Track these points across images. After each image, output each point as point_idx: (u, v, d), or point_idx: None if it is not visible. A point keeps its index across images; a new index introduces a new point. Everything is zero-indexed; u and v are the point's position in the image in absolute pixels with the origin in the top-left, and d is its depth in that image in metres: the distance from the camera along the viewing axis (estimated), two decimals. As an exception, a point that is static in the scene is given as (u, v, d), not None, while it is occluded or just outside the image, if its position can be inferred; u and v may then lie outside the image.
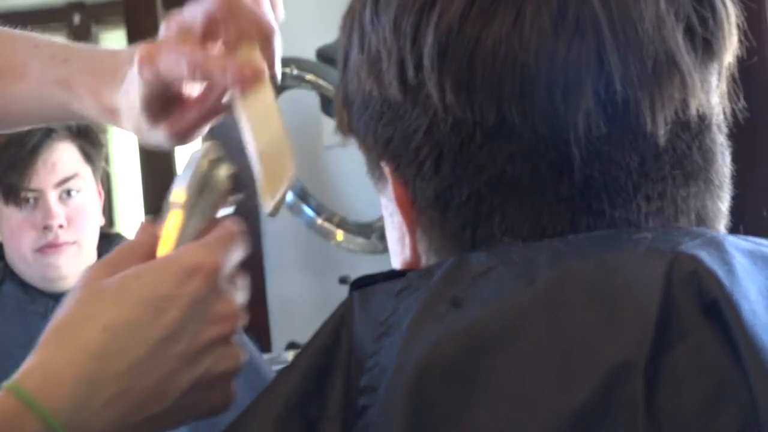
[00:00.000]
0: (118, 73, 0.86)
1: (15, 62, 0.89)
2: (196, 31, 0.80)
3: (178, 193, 0.75)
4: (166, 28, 0.82)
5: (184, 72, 0.79)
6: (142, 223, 0.75)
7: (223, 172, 0.76)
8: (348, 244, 2.84)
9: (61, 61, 0.88)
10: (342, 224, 2.86)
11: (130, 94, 0.83)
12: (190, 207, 0.74)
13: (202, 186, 0.75)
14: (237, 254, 0.73)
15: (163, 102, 0.83)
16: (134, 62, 0.81)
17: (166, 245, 0.73)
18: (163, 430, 0.69)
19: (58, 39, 0.92)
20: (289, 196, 2.95)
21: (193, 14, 0.81)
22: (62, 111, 0.89)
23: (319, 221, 2.90)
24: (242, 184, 0.77)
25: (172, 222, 0.74)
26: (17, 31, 0.93)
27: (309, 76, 2.75)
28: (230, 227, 0.73)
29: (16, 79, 0.89)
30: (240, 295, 0.73)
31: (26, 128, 0.98)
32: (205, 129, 0.86)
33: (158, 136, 0.85)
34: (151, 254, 0.72)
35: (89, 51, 0.90)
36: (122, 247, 0.74)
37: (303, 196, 2.94)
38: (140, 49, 0.80)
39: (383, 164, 0.73)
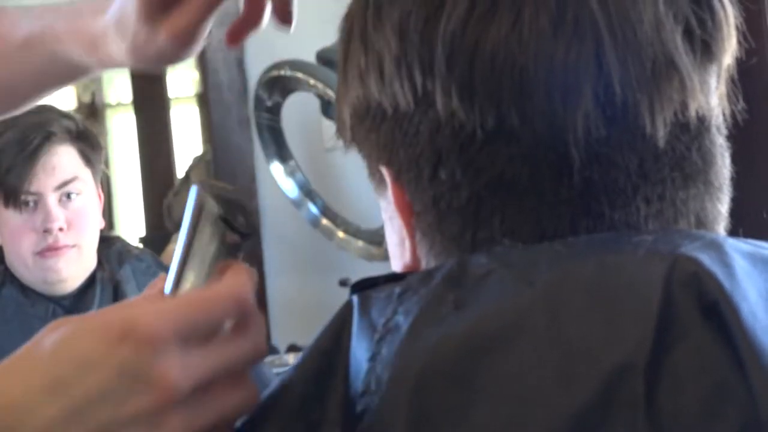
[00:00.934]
0: (101, 6, 0.84)
1: (4, 22, 0.88)
2: None
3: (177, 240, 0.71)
4: None
5: None
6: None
7: (212, 211, 0.71)
8: (348, 247, 2.84)
9: (50, 11, 0.87)
10: (347, 229, 2.86)
11: (127, 3, 0.81)
12: (185, 251, 0.70)
13: (193, 229, 0.70)
14: (210, 317, 0.64)
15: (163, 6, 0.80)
16: None
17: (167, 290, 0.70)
18: None
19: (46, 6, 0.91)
20: (295, 193, 2.96)
21: None
22: (48, 60, 0.88)
23: (324, 221, 2.91)
24: (235, 212, 0.71)
25: (171, 269, 0.70)
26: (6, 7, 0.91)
27: (311, 81, 2.75)
28: (212, 291, 0.66)
29: (5, 38, 0.88)
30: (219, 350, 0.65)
31: (25, 103, 0.95)
32: (207, 28, 0.82)
33: (158, 44, 0.81)
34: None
35: (78, 4, 0.88)
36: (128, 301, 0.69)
37: (310, 194, 2.95)
38: None
39: (382, 168, 0.73)
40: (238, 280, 0.66)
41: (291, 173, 2.98)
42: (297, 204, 2.91)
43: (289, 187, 2.97)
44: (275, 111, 2.96)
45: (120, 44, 0.83)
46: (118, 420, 0.61)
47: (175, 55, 0.82)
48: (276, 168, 2.98)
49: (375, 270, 0.73)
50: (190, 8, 0.81)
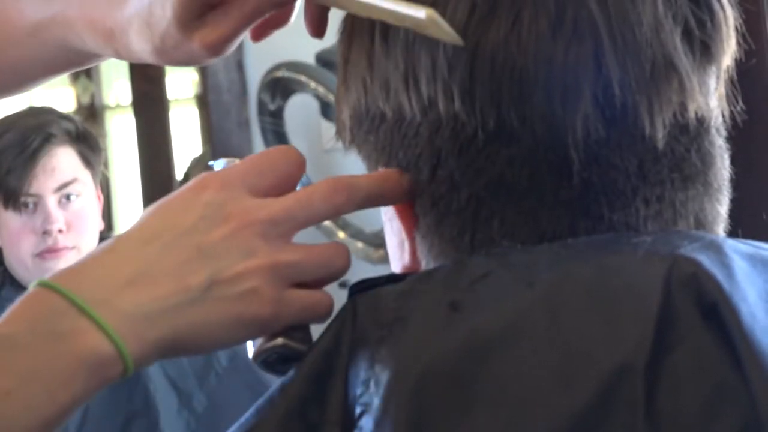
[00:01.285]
0: None
1: (10, 8, 0.87)
2: None
3: None
4: None
5: None
6: None
7: None
8: (349, 248, 2.84)
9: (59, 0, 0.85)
10: (348, 231, 2.85)
11: (156, 5, 0.79)
12: None
13: None
14: (274, 167, 0.71)
15: (201, 6, 0.78)
16: None
17: None
18: (207, 328, 0.66)
19: None
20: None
21: None
22: (59, 49, 0.87)
23: (325, 222, 2.91)
24: None
25: None
26: None
27: (312, 83, 2.75)
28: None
29: (14, 28, 0.87)
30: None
31: (33, 86, 0.94)
32: (239, 39, 0.81)
33: (189, 50, 0.80)
34: None
35: None
36: None
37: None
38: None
39: (381, 169, 0.73)
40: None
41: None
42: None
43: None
44: (278, 115, 2.96)
45: (144, 42, 0.81)
46: (212, 241, 0.67)
47: (205, 59, 0.81)
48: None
49: (375, 272, 0.73)
50: (228, 19, 0.78)
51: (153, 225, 0.68)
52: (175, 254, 0.66)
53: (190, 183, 0.70)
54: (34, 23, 0.87)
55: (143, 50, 0.82)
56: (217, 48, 0.79)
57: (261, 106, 2.96)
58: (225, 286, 0.66)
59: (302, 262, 0.69)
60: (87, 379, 0.63)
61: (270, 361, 0.71)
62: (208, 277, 0.66)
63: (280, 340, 0.70)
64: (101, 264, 0.67)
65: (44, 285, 0.65)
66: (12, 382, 0.61)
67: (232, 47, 0.81)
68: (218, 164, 0.75)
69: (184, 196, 0.69)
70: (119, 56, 0.84)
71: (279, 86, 2.89)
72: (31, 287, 0.66)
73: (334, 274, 0.71)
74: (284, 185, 0.71)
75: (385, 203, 0.73)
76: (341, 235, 2.86)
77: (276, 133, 2.97)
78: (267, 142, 2.99)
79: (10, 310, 0.64)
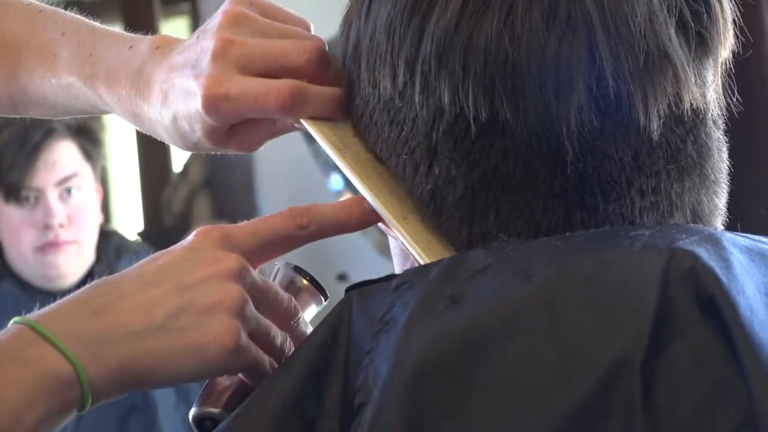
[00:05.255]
0: (137, 78, 0.83)
1: (45, 49, 0.88)
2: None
3: None
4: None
5: (258, 111, 0.77)
6: None
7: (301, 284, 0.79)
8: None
9: (86, 56, 0.86)
10: None
11: (183, 122, 0.80)
12: None
13: None
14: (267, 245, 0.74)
15: (229, 127, 0.80)
16: (197, 103, 0.78)
17: None
18: (167, 356, 0.68)
19: (77, 19, 0.90)
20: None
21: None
22: (92, 108, 0.89)
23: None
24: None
25: None
26: (42, 7, 0.91)
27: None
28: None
29: (49, 73, 0.88)
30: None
31: (63, 117, 0.98)
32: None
33: (222, 150, 0.83)
34: None
35: (108, 39, 0.87)
36: None
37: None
38: (203, 96, 0.77)
39: (381, 163, 0.73)
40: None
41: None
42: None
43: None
44: None
45: (174, 141, 0.83)
46: (190, 281, 0.69)
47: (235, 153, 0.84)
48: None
49: (373, 264, 0.73)
50: (259, 133, 0.81)
51: (137, 268, 0.72)
52: (150, 290, 0.69)
53: (196, 231, 0.73)
54: (67, 79, 0.88)
55: (175, 143, 0.84)
56: (246, 150, 0.83)
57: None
58: (193, 317, 0.69)
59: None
60: (48, 400, 0.65)
61: (206, 427, 0.73)
62: (178, 307, 0.69)
63: (218, 411, 0.73)
64: (77, 298, 0.69)
65: (20, 322, 0.67)
66: None
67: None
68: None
69: (174, 247, 0.73)
70: (144, 130, 0.86)
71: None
72: (10, 324, 0.68)
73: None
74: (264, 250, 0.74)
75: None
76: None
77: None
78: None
79: None
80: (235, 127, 0.80)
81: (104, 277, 0.71)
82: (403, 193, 0.72)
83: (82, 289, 0.70)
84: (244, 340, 0.69)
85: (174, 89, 0.79)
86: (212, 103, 0.76)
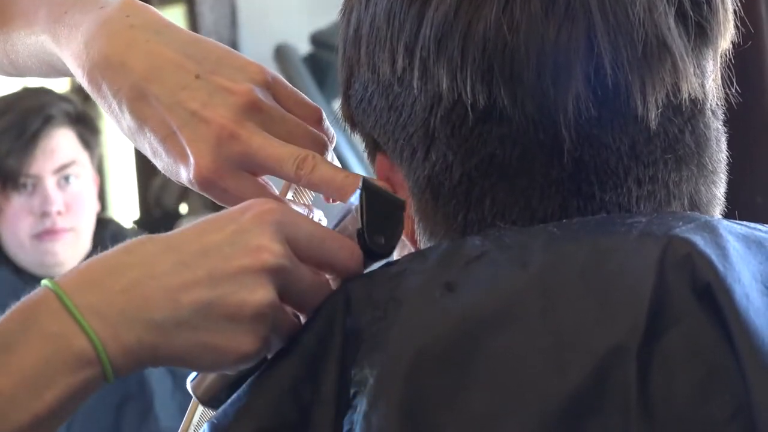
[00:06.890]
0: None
1: (29, 7, 0.88)
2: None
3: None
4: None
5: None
6: None
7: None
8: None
9: (61, 14, 0.84)
10: None
11: (182, 172, 0.79)
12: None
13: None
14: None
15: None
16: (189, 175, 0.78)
17: None
18: (188, 352, 0.67)
19: None
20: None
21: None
22: (49, 67, 0.87)
23: None
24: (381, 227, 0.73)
25: None
26: None
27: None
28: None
29: (26, 29, 0.87)
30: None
31: (32, 76, 0.95)
32: None
33: None
34: None
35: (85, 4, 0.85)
36: None
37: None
38: (195, 175, 0.77)
39: (379, 150, 0.73)
40: None
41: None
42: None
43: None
44: None
45: (135, 143, 0.84)
46: (225, 271, 0.67)
47: None
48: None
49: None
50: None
51: (182, 236, 0.69)
52: (183, 273, 0.67)
53: (243, 204, 0.70)
54: (40, 31, 0.86)
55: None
56: None
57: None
58: (218, 318, 0.67)
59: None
60: (69, 378, 0.65)
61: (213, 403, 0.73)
62: (207, 302, 0.66)
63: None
64: (108, 266, 0.67)
65: (50, 286, 0.66)
66: (3, 380, 0.63)
67: None
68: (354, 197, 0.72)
69: (229, 215, 0.69)
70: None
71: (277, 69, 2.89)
72: (43, 284, 0.67)
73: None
74: (315, 255, 0.70)
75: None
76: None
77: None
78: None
79: (16, 305, 0.66)
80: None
81: (144, 239, 0.69)
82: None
83: (118, 249, 0.68)
84: (265, 342, 0.68)
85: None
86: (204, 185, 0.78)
